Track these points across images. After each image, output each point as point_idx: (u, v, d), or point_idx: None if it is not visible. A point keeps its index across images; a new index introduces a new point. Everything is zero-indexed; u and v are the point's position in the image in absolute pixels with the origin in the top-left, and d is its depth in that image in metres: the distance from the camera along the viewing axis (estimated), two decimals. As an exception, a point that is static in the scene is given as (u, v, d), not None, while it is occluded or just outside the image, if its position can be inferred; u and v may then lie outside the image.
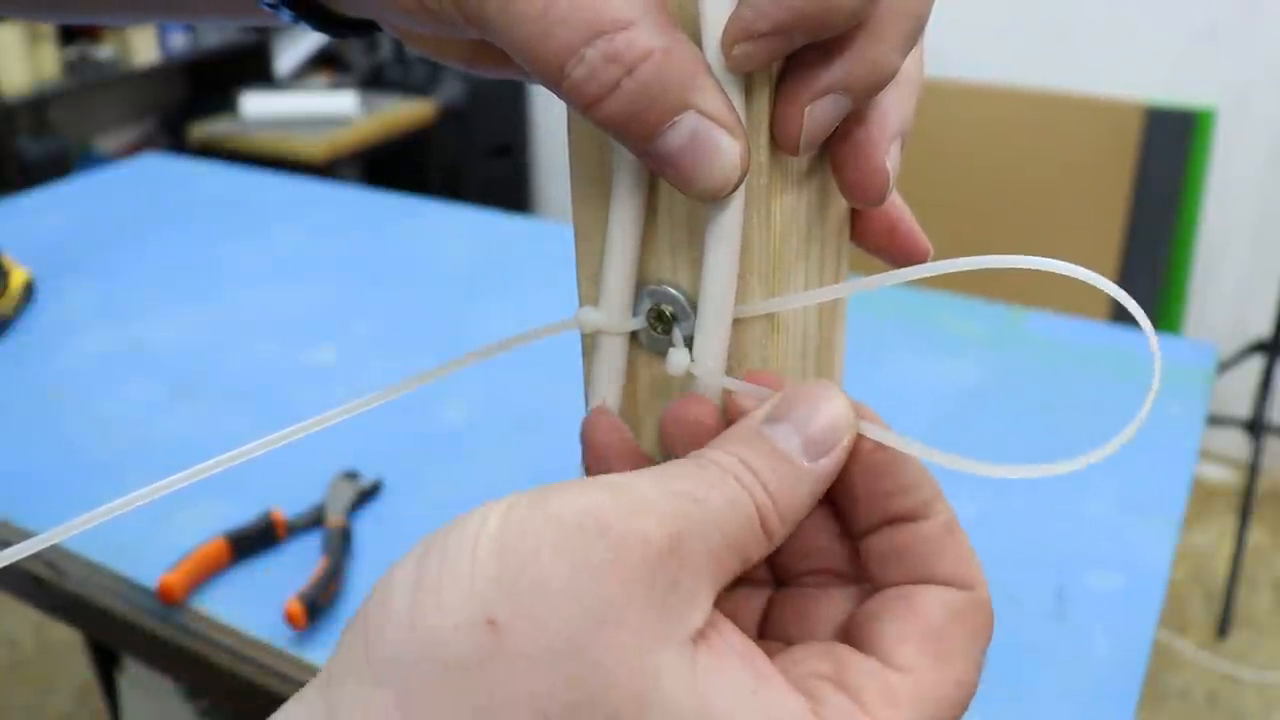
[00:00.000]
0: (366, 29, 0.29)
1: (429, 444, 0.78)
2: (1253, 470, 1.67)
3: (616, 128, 0.21)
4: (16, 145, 2.22)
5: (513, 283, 1.05)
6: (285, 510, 0.69)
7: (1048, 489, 0.71)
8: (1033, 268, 0.23)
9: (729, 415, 0.24)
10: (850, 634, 0.23)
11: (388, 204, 1.27)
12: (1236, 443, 1.95)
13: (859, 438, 0.23)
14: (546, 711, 0.18)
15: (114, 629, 0.66)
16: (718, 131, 0.21)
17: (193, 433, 0.80)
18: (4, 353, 0.93)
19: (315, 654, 0.60)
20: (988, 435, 0.77)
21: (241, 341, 0.94)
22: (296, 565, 0.65)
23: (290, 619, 0.60)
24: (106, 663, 1.05)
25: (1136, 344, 0.89)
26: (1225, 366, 1.67)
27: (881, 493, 0.23)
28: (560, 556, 0.19)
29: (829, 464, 0.22)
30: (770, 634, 0.25)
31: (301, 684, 0.65)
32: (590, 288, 0.26)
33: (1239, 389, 1.90)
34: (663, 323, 0.25)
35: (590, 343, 0.26)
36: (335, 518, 0.68)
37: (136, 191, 1.32)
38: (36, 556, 0.69)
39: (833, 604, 0.24)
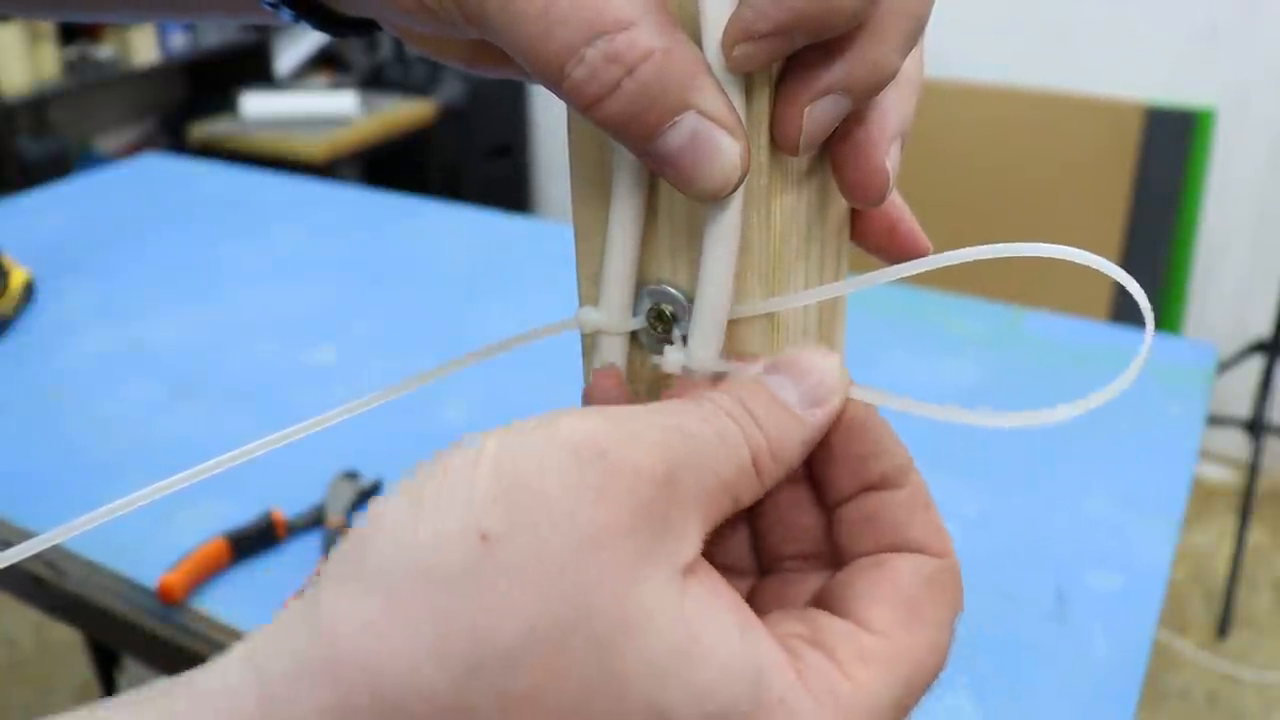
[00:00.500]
0: (367, 28, 0.29)
1: (429, 444, 0.77)
2: (1253, 470, 1.67)
3: (617, 128, 0.21)
4: (16, 145, 2.22)
5: (513, 283, 1.05)
6: (285, 510, 0.69)
7: (1047, 489, 0.71)
8: (1032, 255, 0.23)
9: None
10: (825, 601, 0.23)
11: (388, 204, 1.27)
12: (1236, 443, 1.95)
13: (846, 403, 0.24)
14: (534, 626, 0.18)
15: (114, 629, 0.66)
16: (718, 132, 0.21)
17: (193, 433, 0.80)
18: (4, 353, 0.93)
19: (315, 654, 0.60)
20: (987, 434, 0.77)
21: (241, 341, 0.94)
22: (296, 565, 0.66)
23: (290, 619, 0.60)
24: (106, 663, 1.05)
25: (1136, 344, 0.89)
26: (1225, 366, 1.68)
27: (857, 456, 0.24)
28: (556, 477, 0.19)
29: (822, 415, 0.23)
30: None
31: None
32: (590, 288, 0.26)
33: (1239, 389, 1.91)
34: (663, 322, 0.25)
35: (590, 343, 0.26)
36: (335, 518, 0.68)
37: (136, 191, 1.32)
38: (36, 556, 0.69)
39: (810, 585, 0.25)
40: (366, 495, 0.71)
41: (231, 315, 0.99)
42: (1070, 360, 0.87)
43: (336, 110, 2.37)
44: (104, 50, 2.35)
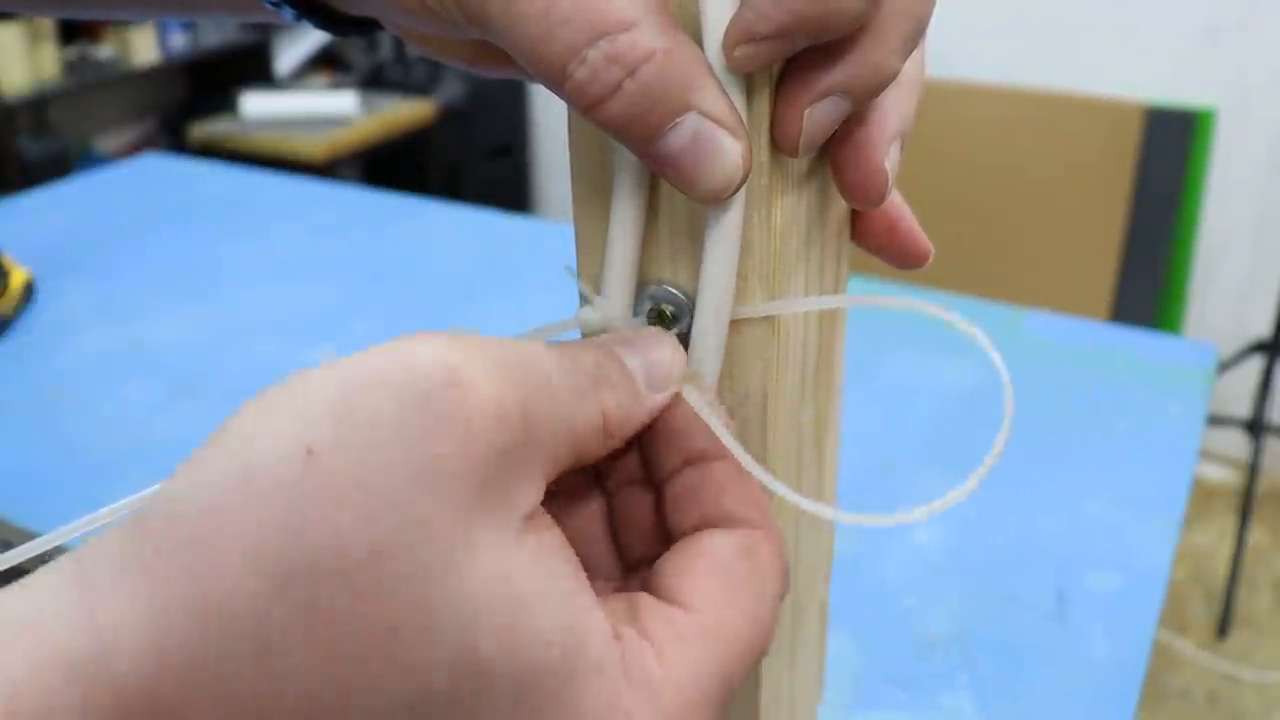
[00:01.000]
0: (368, 27, 0.29)
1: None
2: (1253, 470, 1.67)
3: (618, 129, 0.21)
4: (16, 145, 2.22)
5: (513, 283, 1.05)
6: (285, 510, 0.69)
7: (1047, 489, 0.71)
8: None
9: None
10: (649, 582, 0.23)
11: (388, 204, 1.27)
12: (1237, 443, 1.95)
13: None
14: (347, 546, 0.17)
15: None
16: (720, 132, 0.21)
17: (193, 433, 0.80)
18: (4, 353, 0.93)
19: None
20: (986, 435, 0.77)
21: (242, 341, 0.94)
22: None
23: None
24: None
25: (1136, 344, 0.89)
26: (1225, 366, 1.68)
27: (678, 429, 0.24)
28: (396, 401, 0.18)
29: (659, 400, 0.23)
30: None
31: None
32: (591, 288, 0.26)
33: (1239, 389, 1.91)
34: (663, 322, 0.25)
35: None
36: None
37: (136, 191, 1.32)
38: (36, 557, 0.69)
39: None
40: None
41: (231, 315, 0.99)
42: (1070, 360, 0.87)
43: (336, 110, 2.38)
44: (104, 50, 2.35)
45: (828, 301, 0.25)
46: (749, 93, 0.22)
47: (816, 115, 0.22)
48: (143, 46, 2.39)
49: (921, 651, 0.58)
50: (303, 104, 2.39)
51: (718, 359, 0.24)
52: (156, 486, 0.19)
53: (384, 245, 1.15)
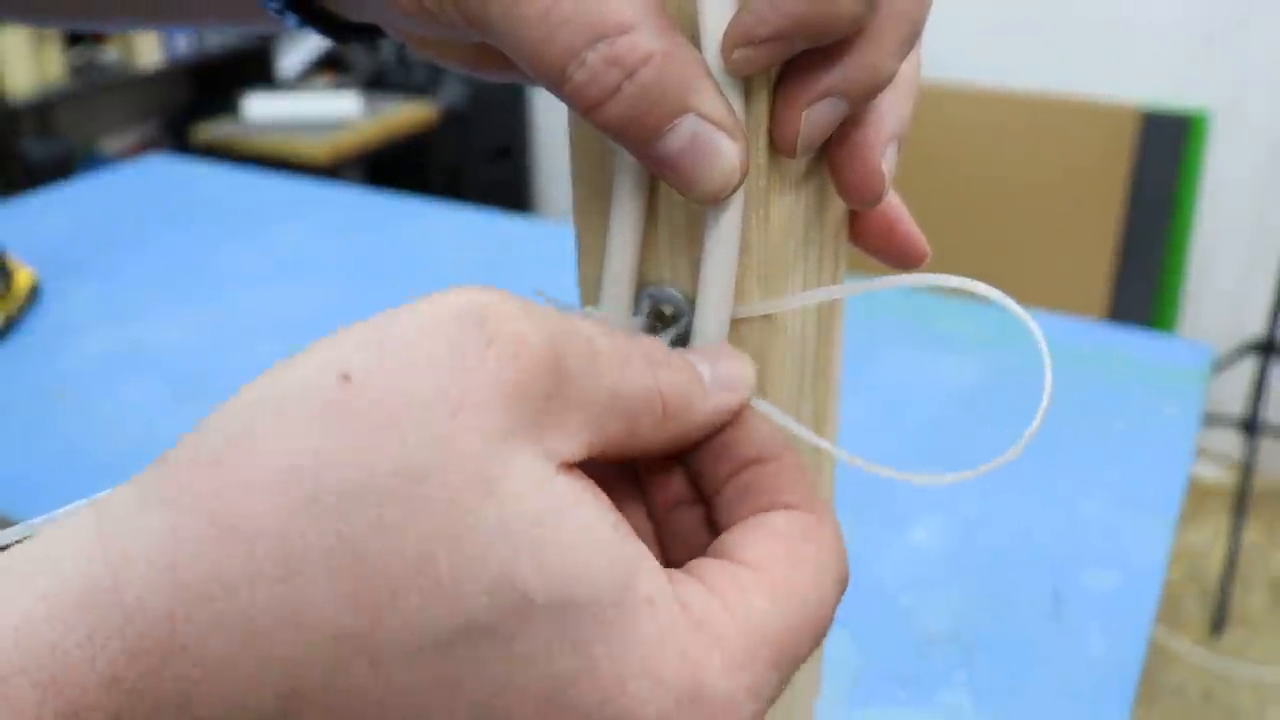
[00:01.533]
0: (370, 34, 0.29)
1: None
2: (1247, 470, 1.67)
3: (617, 130, 0.21)
4: (21, 147, 2.22)
5: (513, 283, 1.05)
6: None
7: (1044, 488, 0.71)
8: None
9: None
10: (707, 554, 0.22)
11: (389, 205, 1.27)
12: (1231, 442, 1.95)
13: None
14: (378, 470, 0.17)
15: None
16: (718, 134, 0.21)
17: (196, 432, 0.80)
18: (8, 353, 0.94)
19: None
20: (986, 434, 0.77)
21: (244, 342, 0.94)
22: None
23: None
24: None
25: (1134, 344, 0.90)
26: (1220, 367, 1.68)
27: (732, 440, 0.23)
28: (430, 333, 0.18)
29: (728, 399, 0.23)
30: None
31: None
32: (591, 288, 0.26)
33: (1234, 389, 1.91)
34: (663, 323, 0.25)
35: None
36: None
37: (140, 193, 1.32)
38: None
39: None
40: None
41: (234, 316, 1.00)
42: (1068, 359, 0.87)
43: (339, 112, 2.38)
44: (108, 53, 2.35)
45: (826, 293, 0.25)
46: (747, 94, 0.22)
47: (814, 117, 0.22)
48: (146, 49, 2.39)
49: (919, 649, 0.59)
50: (305, 106, 2.39)
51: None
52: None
53: (386, 246, 1.15)
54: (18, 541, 0.17)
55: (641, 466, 0.24)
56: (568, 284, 0.27)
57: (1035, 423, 0.23)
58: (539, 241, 1.16)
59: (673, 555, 0.24)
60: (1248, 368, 1.87)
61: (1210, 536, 1.87)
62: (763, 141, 0.23)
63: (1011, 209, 1.80)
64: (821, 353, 0.29)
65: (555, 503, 0.18)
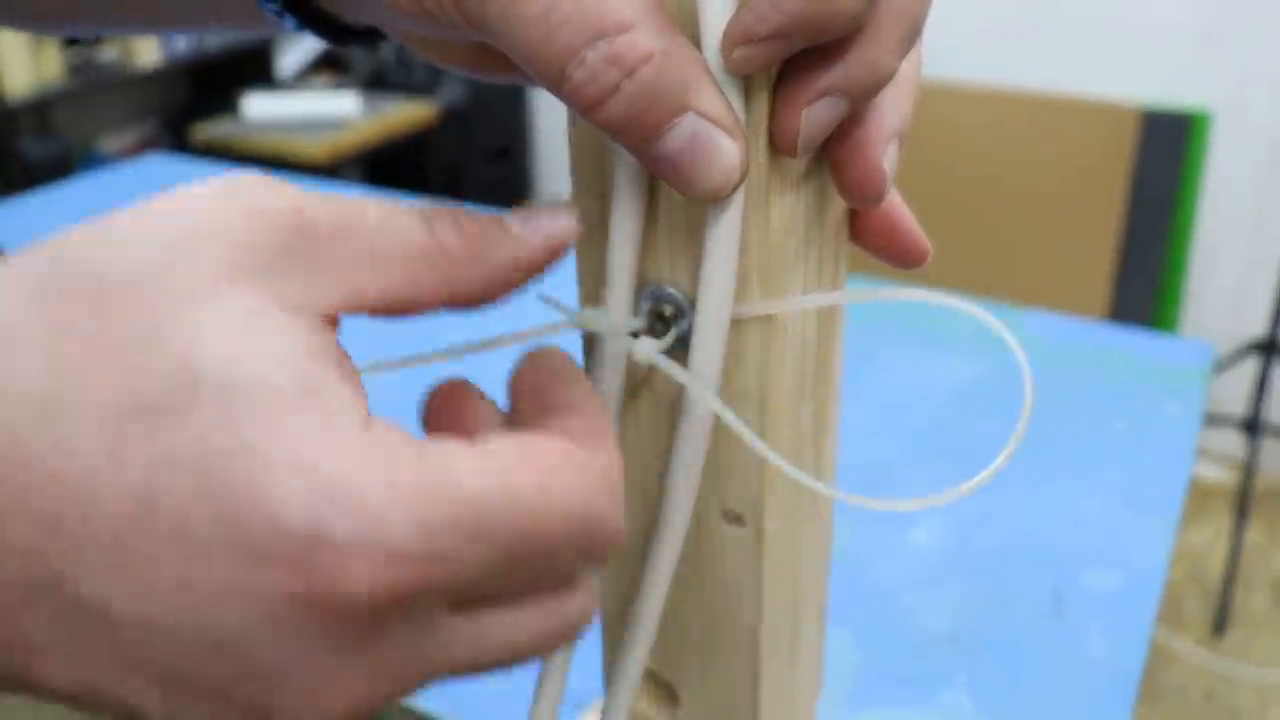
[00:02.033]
0: (370, 37, 0.29)
1: (430, 444, 0.78)
2: (1249, 470, 1.67)
3: (617, 130, 0.21)
4: (20, 146, 2.22)
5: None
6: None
7: (1045, 488, 0.71)
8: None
9: None
10: None
11: (388, 205, 1.27)
12: (1233, 442, 1.95)
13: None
14: (102, 273, 0.18)
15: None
16: (717, 133, 0.21)
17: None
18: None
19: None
20: (985, 434, 0.77)
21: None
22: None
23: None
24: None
25: (1134, 344, 0.90)
26: (1222, 366, 1.68)
27: (543, 384, 0.23)
28: (184, 193, 0.19)
29: (536, 235, 0.22)
30: None
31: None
32: (591, 288, 0.26)
33: (1235, 389, 1.91)
34: (662, 323, 0.25)
35: (590, 342, 0.27)
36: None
37: (139, 192, 1.31)
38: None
39: None
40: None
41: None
42: (1068, 359, 0.87)
43: (338, 112, 2.38)
44: (107, 52, 2.35)
45: (827, 298, 0.25)
46: (747, 93, 0.22)
47: (814, 115, 0.22)
48: (145, 48, 2.39)
49: (920, 650, 0.59)
50: (304, 105, 2.39)
51: (719, 359, 0.24)
52: None
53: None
54: None
55: None
56: (568, 284, 0.27)
57: (1019, 429, 0.23)
58: (539, 241, 1.16)
59: None
60: (1249, 367, 1.87)
61: (1212, 537, 1.87)
62: (763, 141, 0.23)
63: (1012, 208, 1.80)
64: (822, 353, 0.29)
65: (258, 322, 0.18)
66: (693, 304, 0.25)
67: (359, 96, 2.43)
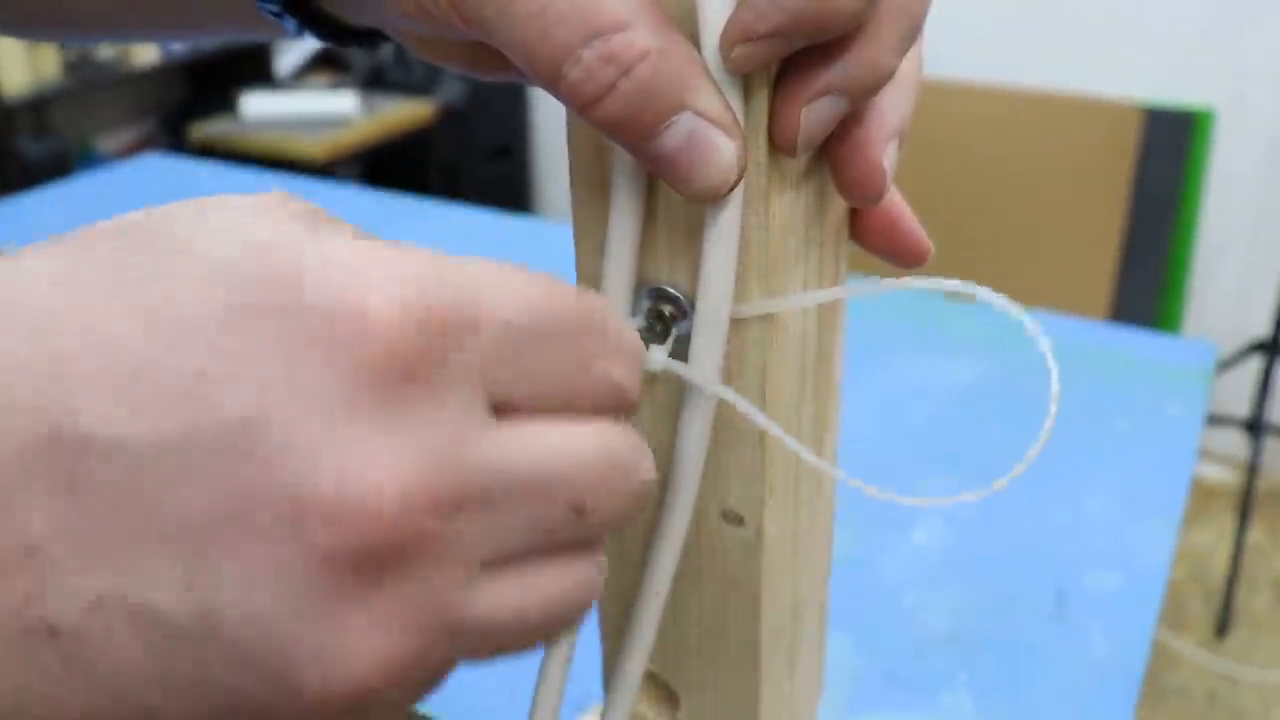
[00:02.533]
0: (370, 39, 0.29)
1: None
2: (1252, 470, 1.67)
3: (613, 128, 0.21)
4: (17, 145, 2.22)
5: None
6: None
7: (1047, 489, 0.71)
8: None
9: None
10: None
11: (388, 204, 1.27)
12: (1236, 442, 1.95)
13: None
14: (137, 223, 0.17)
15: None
16: (715, 132, 0.21)
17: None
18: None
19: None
20: (986, 435, 0.77)
21: (241, 342, 0.94)
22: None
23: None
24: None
25: (1135, 344, 0.89)
26: (1225, 366, 1.68)
27: None
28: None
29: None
30: None
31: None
32: (590, 288, 0.26)
33: (1238, 389, 1.91)
34: (662, 323, 0.25)
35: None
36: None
37: (137, 191, 1.32)
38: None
39: None
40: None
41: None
42: (1070, 360, 0.87)
43: (337, 110, 2.38)
44: (104, 51, 2.35)
45: (826, 295, 0.25)
46: (747, 92, 0.22)
47: (814, 114, 0.22)
48: (143, 47, 2.39)
49: (921, 651, 0.58)
50: (303, 104, 2.39)
51: (718, 358, 0.24)
52: None
53: (384, 245, 1.15)
54: None
55: None
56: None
57: (1045, 428, 0.22)
58: (538, 241, 1.16)
59: None
60: (1252, 367, 1.86)
61: (1214, 537, 1.86)
62: (763, 140, 0.23)
63: (1014, 207, 1.80)
64: (823, 353, 0.29)
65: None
66: (693, 304, 0.24)
67: (357, 95, 2.43)
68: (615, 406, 0.20)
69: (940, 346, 0.90)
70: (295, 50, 2.67)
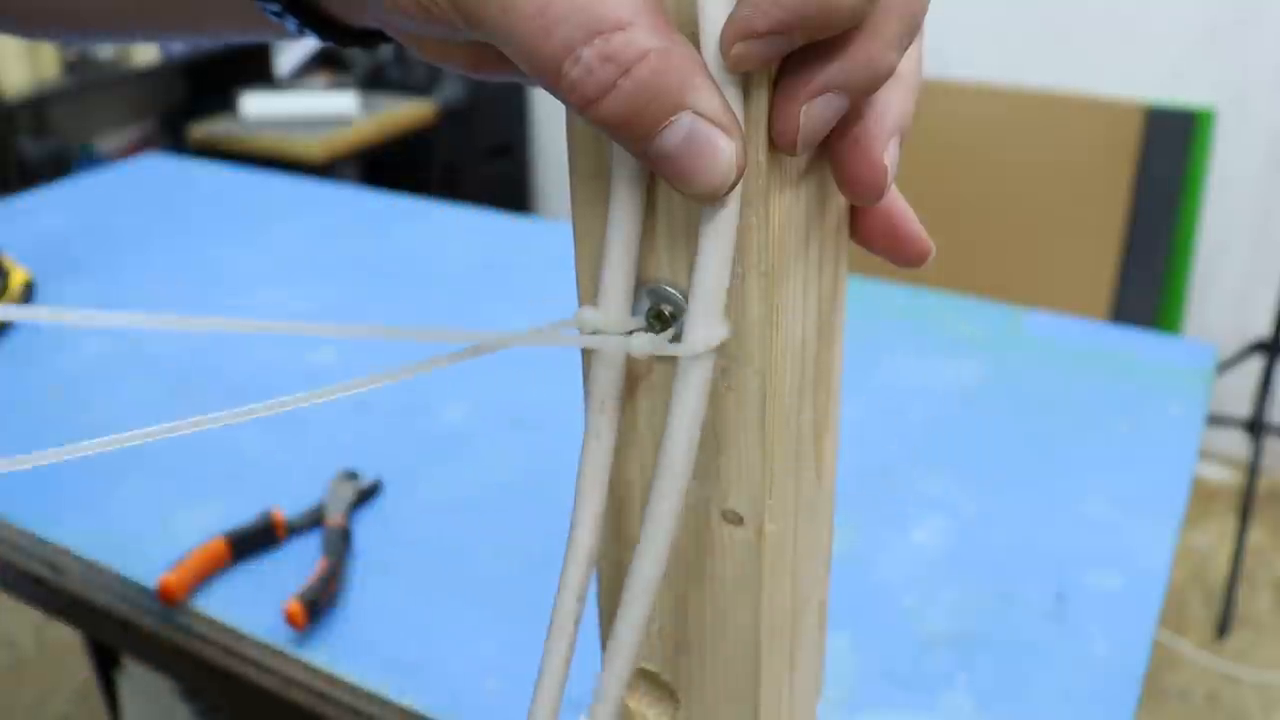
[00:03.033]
0: (371, 39, 0.29)
1: (428, 444, 0.78)
2: (1253, 470, 1.67)
3: (613, 128, 0.21)
4: (16, 145, 2.22)
5: (512, 283, 1.05)
6: (285, 510, 0.69)
7: (1046, 489, 0.71)
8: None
9: None
10: None
11: (388, 204, 1.27)
12: (1236, 443, 1.95)
13: None
14: None
15: (114, 629, 0.66)
16: (714, 132, 0.21)
17: (192, 433, 0.80)
18: (3, 353, 0.93)
19: (315, 654, 0.60)
20: (987, 435, 0.77)
21: (241, 342, 0.94)
22: (296, 565, 0.66)
23: (290, 619, 0.60)
24: (106, 663, 1.05)
25: (1136, 344, 0.89)
26: (1225, 366, 1.68)
27: None
28: None
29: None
30: None
31: (302, 684, 0.65)
32: (590, 287, 0.26)
33: (1239, 389, 1.91)
34: (662, 322, 0.25)
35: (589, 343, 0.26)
36: (335, 517, 0.68)
37: (136, 192, 1.32)
38: (36, 557, 0.69)
39: None
40: (366, 495, 0.71)
41: (231, 315, 0.99)
42: (1070, 360, 0.87)
43: (336, 110, 2.37)
44: (104, 51, 2.34)
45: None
46: (747, 91, 0.22)
47: (814, 112, 0.22)
48: (142, 47, 2.39)
49: (921, 651, 0.58)
50: (302, 104, 2.38)
51: (709, 357, 0.24)
52: None
53: (384, 245, 1.15)
54: None
55: None
56: (567, 283, 0.27)
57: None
58: (538, 240, 1.16)
59: None
60: (1253, 368, 1.86)
61: (1215, 538, 1.86)
62: (763, 139, 0.22)
63: (1015, 207, 1.80)
64: (822, 353, 0.29)
65: None
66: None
67: (357, 95, 2.43)
68: None
69: (940, 346, 0.90)
70: (295, 50, 2.67)
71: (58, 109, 2.41)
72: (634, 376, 0.27)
